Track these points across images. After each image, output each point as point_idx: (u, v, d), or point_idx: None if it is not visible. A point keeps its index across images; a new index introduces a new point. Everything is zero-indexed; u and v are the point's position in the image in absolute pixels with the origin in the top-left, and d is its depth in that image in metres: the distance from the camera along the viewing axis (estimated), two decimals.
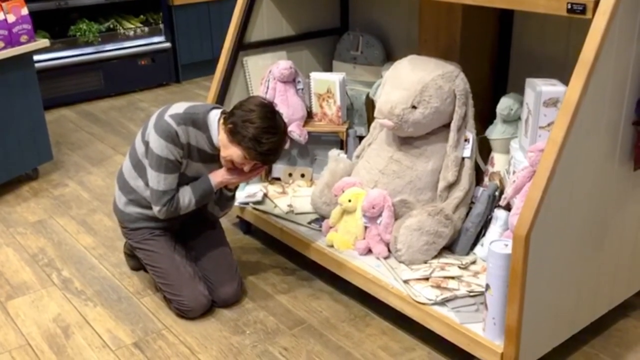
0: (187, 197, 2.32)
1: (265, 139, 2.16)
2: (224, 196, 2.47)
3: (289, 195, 2.91)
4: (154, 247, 2.42)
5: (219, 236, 2.57)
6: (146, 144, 2.31)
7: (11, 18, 3.22)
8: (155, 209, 2.32)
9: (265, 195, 2.91)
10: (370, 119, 2.99)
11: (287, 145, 2.94)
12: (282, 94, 2.91)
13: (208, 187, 2.34)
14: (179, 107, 2.30)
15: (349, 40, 3.17)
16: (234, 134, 2.19)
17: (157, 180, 2.27)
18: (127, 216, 2.46)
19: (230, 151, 2.23)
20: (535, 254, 1.79)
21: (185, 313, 2.39)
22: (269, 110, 2.22)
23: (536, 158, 1.90)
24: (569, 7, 1.77)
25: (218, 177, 2.35)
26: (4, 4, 3.20)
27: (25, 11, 3.29)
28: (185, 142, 2.26)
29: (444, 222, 2.33)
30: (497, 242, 1.92)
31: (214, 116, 2.29)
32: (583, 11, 1.74)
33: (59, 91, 4.70)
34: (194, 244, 2.52)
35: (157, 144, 2.24)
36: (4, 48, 3.20)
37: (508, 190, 2.09)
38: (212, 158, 2.34)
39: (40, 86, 3.53)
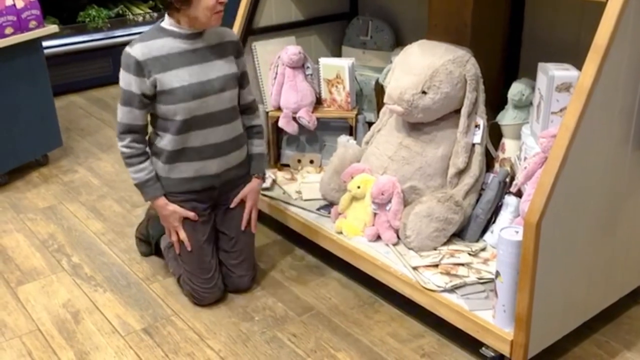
0: (140, 174, 2.24)
1: None
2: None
3: (297, 182, 2.90)
4: (185, 226, 2.35)
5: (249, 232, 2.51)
6: None
7: (20, 4, 3.21)
8: (117, 142, 2.26)
9: (274, 181, 2.90)
10: (379, 104, 2.96)
11: (295, 131, 2.94)
12: (291, 80, 2.89)
13: (150, 194, 2.28)
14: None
15: (358, 25, 3.14)
16: None
17: (118, 111, 2.21)
18: (162, 180, 2.32)
19: (201, 5, 2.09)
20: (546, 241, 1.77)
21: (196, 300, 2.40)
22: None
23: (548, 144, 1.87)
24: None
25: (160, 205, 2.29)
26: None
27: None
28: (150, 57, 2.12)
29: (454, 209, 2.31)
30: (507, 229, 1.90)
31: (165, 19, 2.21)
32: None
33: (68, 77, 4.69)
34: (224, 220, 2.44)
35: (120, 76, 2.16)
36: (13, 34, 3.19)
37: (519, 177, 2.07)
38: (194, 56, 2.19)
39: (50, 72, 3.52)
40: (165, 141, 2.24)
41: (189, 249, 2.34)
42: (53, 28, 3.45)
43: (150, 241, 2.71)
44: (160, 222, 2.41)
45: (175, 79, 2.16)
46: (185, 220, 2.33)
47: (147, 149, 2.29)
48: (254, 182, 2.46)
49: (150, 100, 2.19)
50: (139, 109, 2.19)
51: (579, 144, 1.73)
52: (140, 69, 2.12)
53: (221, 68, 2.26)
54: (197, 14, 2.12)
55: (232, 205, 2.42)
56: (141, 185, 2.28)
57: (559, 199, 1.75)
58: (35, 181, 3.49)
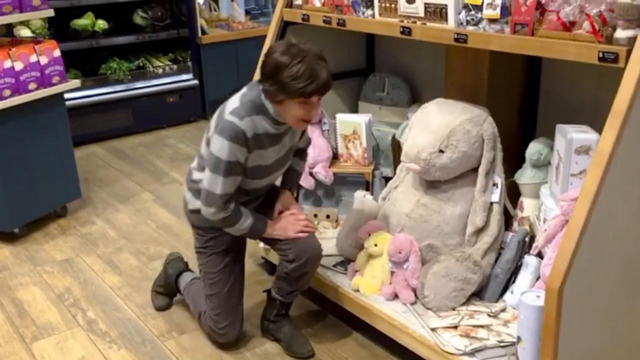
0: (246, 221, 2.22)
1: (300, 69, 1.99)
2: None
3: None
4: (218, 262, 2.35)
5: None
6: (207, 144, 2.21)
7: (44, 60, 3.29)
8: (208, 210, 2.17)
9: None
10: (396, 160, 2.97)
11: (312, 186, 2.95)
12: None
13: (262, 228, 2.28)
14: (234, 101, 2.17)
15: (375, 81, 3.18)
16: (277, 89, 2.04)
17: (214, 182, 2.13)
18: (201, 218, 2.29)
19: (288, 110, 2.08)
20: (568, 307, 1.74)
21: (216, 337, 2.41)
22: (285, 45, 2.08)
23: (568, 207, 1.85)
24: (601, 55, 1.74)
25: (272, 229, 2.30)
26: (37, 46, 3.28)
27: (57, 53, 3.37)
28: (253, 134, 2.12)
29: (473, 269, 2.28)
30: (528, 293, 1.87)
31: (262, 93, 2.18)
32: (615, 60, 1.71)
33: (89, 128, 4.78)
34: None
35: (220, 145, 2.09)
36: (37, 89, 3.27)
37: (539, 239, 2.04)
38: (276, 139, 2.22)
39: (71, 123, 3.59)
40: None
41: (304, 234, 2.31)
42: (75, 83, 3.52)
43: (168, 293, 2.72)
44: (177, 262, 2.49)
45: (259, 158, 2.20)
46: (222, 250, 2.35)
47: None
48: (286, 194, 2.44)
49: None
50: (240, 175, 2.18)
51: (600, 209, 1.71)
52: (246, 142, 2.12)
53: (291, 140, 2.31)
54: (285, 115, 2.13)
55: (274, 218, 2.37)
56: (254, 228, 2.25)
57: (581, 264, 1.72)
58: (54, 233, 3.51)
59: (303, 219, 2.34)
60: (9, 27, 3.88)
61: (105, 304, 2.82)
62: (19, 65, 3.16)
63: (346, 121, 2.94)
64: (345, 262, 2.64)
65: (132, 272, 3.08)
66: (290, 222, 2.33)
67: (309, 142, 2.54)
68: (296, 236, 2.30)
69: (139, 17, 5.08)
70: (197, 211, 2.28)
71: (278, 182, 2.50)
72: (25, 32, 4.33)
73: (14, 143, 3.24)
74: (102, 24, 4.89)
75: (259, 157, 2.20)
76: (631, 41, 1.70)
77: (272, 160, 2.25)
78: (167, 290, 2.72)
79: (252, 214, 2.26)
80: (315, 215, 3.00)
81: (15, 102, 3.15)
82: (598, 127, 1.78)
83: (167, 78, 5.13)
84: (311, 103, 2.08)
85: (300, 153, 2.50)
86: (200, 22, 5.08)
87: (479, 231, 2.36)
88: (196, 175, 2.31)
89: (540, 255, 2.17)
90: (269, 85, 2.07)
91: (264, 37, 3.02)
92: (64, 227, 3.57)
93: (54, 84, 3.36)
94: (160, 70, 5.13)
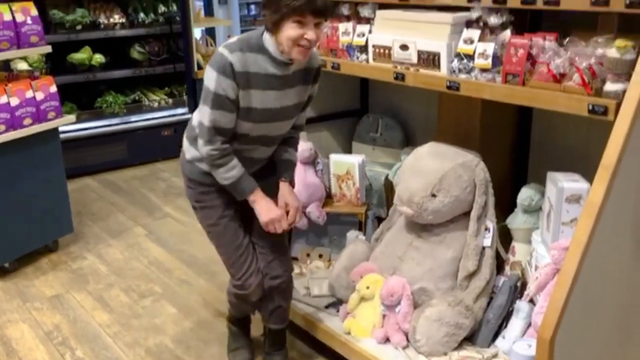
0: (233, 171, 2.17)
1: None
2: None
3: (306, 277, 2.88)
4: (217, 214, 2.30)
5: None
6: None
7: (40, 95, 3.31)
8: (200, 143, 2.16)
9: None
10: (389, 200, 2.98)
11: (305, 226, 2.95)
12: (302, 175, 2.92)
13: (247, 188, 2.20)
14: (233, 38, 2.16)
15: (369, 122, 3.21)
16: (272, 12, 2.02)
17: (203, 112, 2.12)
18: (194, 169, 2.30)
19: (285, 34, 2.03)
20: (560, 357, 1.73)
21: (239, 289, 2.37)
22: None
23: (559, 256, 1.86)
24: (590, 108, 1.77)
25: (257, 198, 2.22)
26: (33, 82, 3.30)
27: (53, 88, 3.39)
28: (243, 71, 2.08)
29: (465, 313, 2.28)
30: (520, 342, 1.87)
31: (267, 34, 2.13)
32: (605, 113, 1.74)
33: (84, 161, 4.78)
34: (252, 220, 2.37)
35: (208, 76, 2.09)
36: (32, 124, 3.28)
37: (531, 287, 2.05)
38: (279, 82, 2.15)
39: (65, 156, 3.59)
40: None
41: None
42: (70, 118, 3.54)
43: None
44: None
45: (255, 98, 2.13)
46: (214, 203, 2.30)
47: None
48: (285, 187, 2.35)
49: (237, 107, 2.14)
50: (230, 112, 2.12)
51: (591, 259, 1.72)
52: (233, 75, 2.07)
53: (296, 95, 2.22)
54: (282, 42, 2.07)
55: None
56: (237, 182, 2.18)
57: (572, 314, 1.72)
58: (44, 268, 3.48)
59: (285, 223, 2.27)
60: (6, 61, 3.91)
61: (94, 342, 2.79)
62: (14, 101, 3.17)
63: (340, 161, 2.96)
64: (337, 304, 2.62)
65: (122, 309, 3.06)
66: (274, 213, 2.23)
67: (302, 124, 2.42)
68: (264, 224, 2.24)
69: (136, 52, 5.13)
70: (190, 162, 2.30)
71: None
72: (22, 66, 4.36)
73: (7, 177, 3.24)
74: (99, 58, 4.93)
75: (255, 98, 2.13)
76: (620, 95, 1.74)
77: (271, 106, 2.16)
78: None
79: (244, 172, 2.20)
80: (308, 255, 3.00)
81: (10, 138, 3.16)
82: (589, 174, 1.80)
83: (163, 112, 5.16)
84: (306, 23, 2.02)
85: (291, 140, 2.41)
86: (197, 57, 5.13)
87: (471, 275, 2.36)
88: (195, 120, 2.28)
89: (532, 300, 2.17)
90: (267, 12, 2.06)
91: None
92: (55, 262, 3.55)
93: (49, 119, 3.37)
94: (156, 104, 5.16)
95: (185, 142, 2.34)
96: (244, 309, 2.56)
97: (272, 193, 2.31)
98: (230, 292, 2.47)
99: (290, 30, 2.03)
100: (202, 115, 2.15)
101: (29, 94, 3.25)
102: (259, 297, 2.40)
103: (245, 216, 2.34)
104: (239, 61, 2.08)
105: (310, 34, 2.03)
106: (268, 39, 2.11)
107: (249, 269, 2.34)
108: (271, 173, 2.37)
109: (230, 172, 2.18)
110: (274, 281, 2.39)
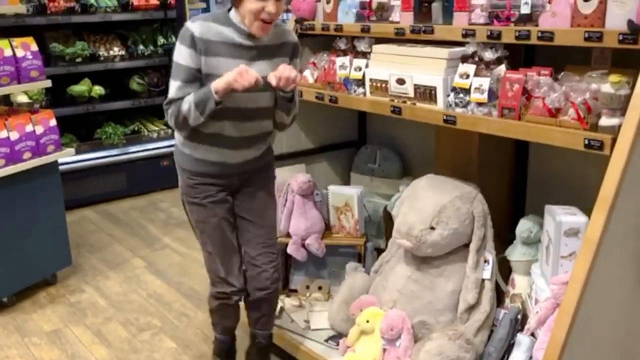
0: (187, 101, 2.16)
1: None
2: (281, 98, 2.27)
3: (306, 310, 2.87)
4: (206, 213, 2.33)
5: (270, 211, 2.49)
6: None
7: (39, 129, 3.33)
8: (165, 108, 2.21)
9: (281, 308, 2.87)
10: (388, 231, 2.98)
11: (304, 258, 2.94)
12: (301, 207, 2.92)
13: (207, 90, 2.13)
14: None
15: (367, 153, 3.22)
16: None
17: (171, 86, 2.19)
18: (185, 157, 2.34)
19: (246, 6, 2.10)
20: None
21: (218, 280, 2.39)
22: None
23: (559, 291, 1.86)
24: (586, 142, 1.78)
25: (219, 80, 2.14)
26: (33, 116, 3.32)
27: (53, 122, 3.41)
28: (205, 38, 2.14)
29: (465, 347, 2.26)
30: None
31: (233, 10, 2.21)
32: (600, 147, 1.75)
33: (83, 192, 4.78)
34: (243, 205, 2.42)
35: (176, 48, 2.18)
36: (31, 158, 3.29)
37: (531, 321, 2.04)
38: (247, 52, 2.19)
39: (64, 187, 3.60)
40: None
41: None
42: (69, 152, 3.55)
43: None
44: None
45: (221, 65, 2.15)
46: (203, 201, 2.32)
47: None
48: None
49: (200, 78, 2.18)
50: (191, 82, 2.16)
51: (591, 295, 1.71)
52: (194, 43, 2.14)
53: (271, 68, 2.20)
54: (245, 14, 2.14)
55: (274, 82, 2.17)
56: (199, 104, 2.14)
57: (574, 350, 1.71)
58: (42, 302, 3.47)
59: (253, 71, 2.12)
60: (7, 95, 3.93)
61: None
62: (14, 135, 3.19)
63: (338, 193, 2.97)
64: (337, 337, 2.61)
65: (120, 344, 3.03)
66: (238, 68, 2.11)
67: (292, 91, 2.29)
68: (236, 80, 2.09)
69: (135, 83, 5.17)
70: (180, 149, 2.36)
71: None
72: (22, 98, 4.39)
73: (6, 210, 3.24)
74: (98, 89, 4.97)
75: (221, 65, 2.15)
76: (616, 129, 1.75)
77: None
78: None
79: (193, 93, 2.16)
80: (308, 287, 2.99)
81: (10, 172, 3.17)
82: (587, 205, 1.80)
83: (162, 142, 5.17)
84: None
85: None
86: None
87: (471, 308, 2.35)
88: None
89: (533, 334, 2.16)
90: None
91: None
92: (53, 296, 3.53)
93: (49, 153, 3.38)
94: (155, 135, 5.19)
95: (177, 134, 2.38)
96: (227, 321, 2.55)
97: (261, 204, 2.40)
98: (211, 299, 2.47)
99: (251, 3, 2.10)
100: (170, 88, 2.21)
101: (29, 128, 3.27)
102: (240, 298, 2.44)
103: (237, 214, 2.40)
104: (198, 28, 2.16)
105: (270, 7, 2.10)
106: (233, 14, 2.20)
107: (232, 267, 2.36)
108: (265, 163, 2.41)
109: (187, 105, 2.16)
110: (261, 292, 2.43)
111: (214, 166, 2.32)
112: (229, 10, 2.24)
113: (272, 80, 2.13)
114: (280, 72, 2.12)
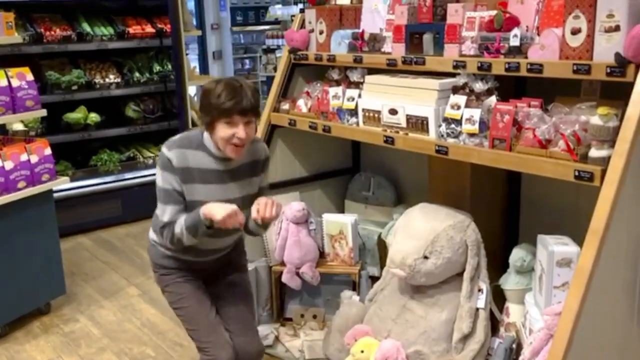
0: (179, 225, 2.20)
1: (222, 89, 2.13)
2: (259, 225, 2.28)
3: (300, 339, 2.85)
4: (182, 290, 2.36)
5: (245, 289, 2.50)
6: None
7: (34, 158, 3.33)
8: (160, 232, 2.26)
9: (276, 338, 2.86)
10: (382, 259, 2.98)
11: (298, 286, 2.93)
12: (295, 235, 2.93)
13: (196, 215, 2.17)
14: (175, 136, 2.29)
15: (361, 181, 3.23)
16: (205, 114, 2.15)
17: (161, 210, 2.24)
18: (158, 253, 2.39)
19: (218, 133, 2.15)
20: None
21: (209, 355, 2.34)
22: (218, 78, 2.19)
23: (552, 322, 1.86)
24: (577, 174, 1.80)
25: (205, 210, 2.16)
26: (28, 145, 3.32)
27: (48, 151, 3.41)
28: (182, 166, 2.19)
29: None
30: None
31: (206, 134, 2.25)
32: (590, 179, 1.77)
33: (78, 219, 4.76)
34: (219, 293, 2.44)
35: (157, 175, 2.24)
36: (26, 187, 3.29)
37: (525, 352, 2.03)
38: (221, 177, 2.25)
39: (59, 214, 3.58)
40: None
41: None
42: (64, 180, 3.55)
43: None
44: None
45: (198, 192, 2.22)
46: (183, 282, 2.36)
47: None
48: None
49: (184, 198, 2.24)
50: (180, 202, 2.22)
51: (583, 325, 1.72)
52: (173, 170, 2.19)
53: (246, 187, 2.30)
54: (217, 141, 2.20)
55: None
56: (191, 228, 2.19)
57: None
58: (36, 331, 3.44)
59: (241, 215, 2.16)
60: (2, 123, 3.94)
61: None
62: (9, 165, 3.19)
63: (333, 221, 2.97)
64: None
65: None
66: (227, 208, 2.12)
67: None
68: (222, 222, 2.12)
69: (131, 110, 5.19)
70: (154, 245, 2.40)
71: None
72: (18, 126, 4.40)
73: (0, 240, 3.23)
74: (94, 117, 4.98)
75: (198, 191, 2.22)
76: (605, 160, 1.76)
77: (215, 200, 2.20)
78: None
79: (184, 217, 2.21)
80: (302, 316, 2.98)
81: (4, 201, 3.16)
82: (579, 235, 1.81)
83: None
84: (235, 123, 2.15)
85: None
86: (191, 113, 5.19)
87: (466, 337, 2.35)
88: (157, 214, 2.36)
89: None
90: (202, 114, 2.20)
91: None
92: (46, 325, 3.50)
93: (44, 182, 3.38)
94: (151, 161, 5.19)
95: (151, 232, 2.41)
96: None
97: (236, 286, 2.42)
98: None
99: (222, 130, 2.17)
100: (159, 211, 2.26)
101: (24, 157, 3.27)
102: None
103: (213, 297, 2.40)
104: (176, 157, 2.19)
105: (240, 133, 2.17)
106: (207, 137, 2.25)
107: (217, 342, 2.33)
108: (233, 268, 2.46)
109: (180, 229, 2.21)
110: (251, 344, 2.38)
111: (185, 263, 2.38)
112: (203, 131, 2.28)
113: (255, 215, 2.19)
114: (262, 210, 2.16)
